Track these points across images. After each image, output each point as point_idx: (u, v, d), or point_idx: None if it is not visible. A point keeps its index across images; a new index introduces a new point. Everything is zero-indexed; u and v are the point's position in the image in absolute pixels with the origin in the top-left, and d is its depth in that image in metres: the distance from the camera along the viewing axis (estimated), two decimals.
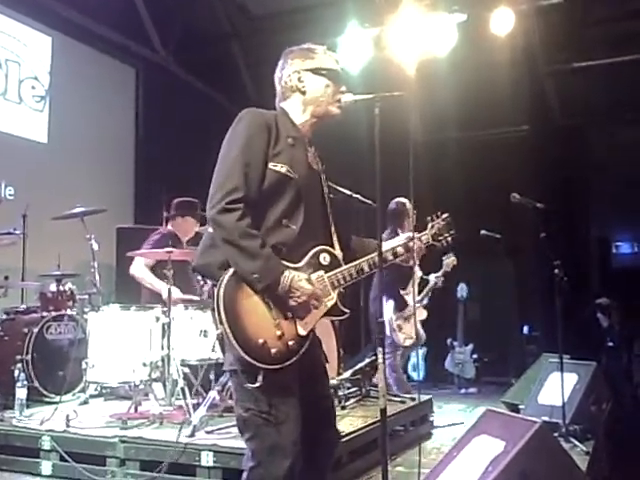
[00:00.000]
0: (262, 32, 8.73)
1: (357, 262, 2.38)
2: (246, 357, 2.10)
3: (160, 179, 7.58)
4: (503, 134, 9.08)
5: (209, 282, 4.48)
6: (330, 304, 2.32)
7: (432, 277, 5.38)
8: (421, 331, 5.40)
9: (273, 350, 2.14)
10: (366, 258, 2.39)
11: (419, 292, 5.41)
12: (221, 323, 2.12)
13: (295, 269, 2.24)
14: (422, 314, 5.44)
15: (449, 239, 2.60)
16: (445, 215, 2.62)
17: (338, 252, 2.40)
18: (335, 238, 2.44)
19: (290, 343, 2.18)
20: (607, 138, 8.85)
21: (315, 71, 2.41)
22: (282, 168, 2.27)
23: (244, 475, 2.20)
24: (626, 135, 8.56)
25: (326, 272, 2.33)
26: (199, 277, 4.79)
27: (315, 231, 2.36)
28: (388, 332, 5.13)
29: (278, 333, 2.16)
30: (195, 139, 8.16)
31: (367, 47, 7.63)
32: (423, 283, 5.45)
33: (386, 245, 2.47)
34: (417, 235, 2.55)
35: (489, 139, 9.06)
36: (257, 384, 2.12)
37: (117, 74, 7.98)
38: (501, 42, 7.26)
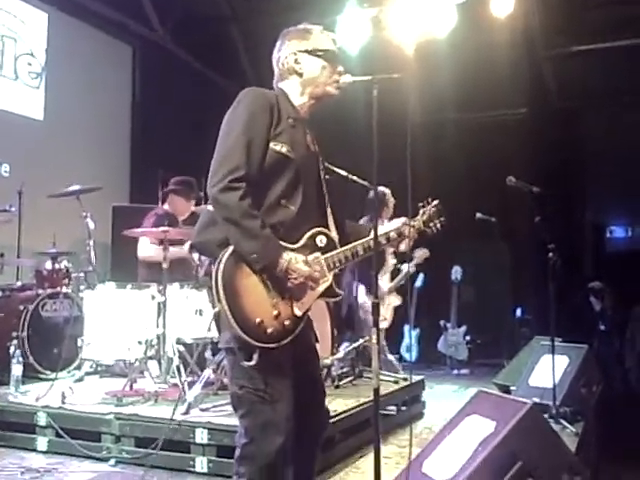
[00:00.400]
0: (260, 13, 8.66)
1: (352, 245, 2.40)
2: (243, 335, 2.12)
3: (156, 158, 7.56)
4: (501, 116, 9.07)
5: (204, 261, 4.52)
6: (325, 286, 2.33)
7: (405, 266, 5.44)
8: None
9: (269, 329, 2.15)
10: (361, 241, 2.40)
11: (392, 279, 5.51)
12: (219, 301, 2.13)
13: (293, 250, 2.25)
14: (396, 300, 5.50)
15: (438, 226, 2.60)
16: (436, 202, 2.62)
17: (334, 234, 2.41)
18: (331, 220, 2.45)
19: (286, 323, 2.20)
20: (604, 122, 8.84)
21: (311, 52, 2.40)
22: (283, 148, 2.26)
23: (237, 452, 2.22)
24: (623, 119, 8.55)
25: (322, 254, 2.34)
26: (195, 256, 4.82)
27: (312, 213, 2.37)
28: (362, 315, 5.18)
29: (275, 313, 2.18)
30: (192, 119, 8.13)
31: (366, 27, 7.58)
32: (396, 272, 5.53)
33: (380, 230, 2.47)
34: (410, 221, 2.55)
35: (487, 121, 9.05)
36: (253, 362, 2.14)
37: (114, 52, 7.92)
38: (500, 24, 7.22)
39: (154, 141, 7.89)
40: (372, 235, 2.34)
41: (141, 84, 8.17)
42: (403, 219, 2.55)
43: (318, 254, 2.33)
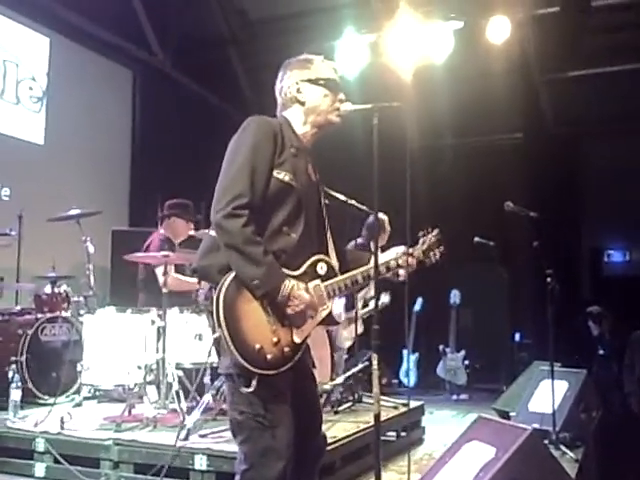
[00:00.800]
0: (260, 37, 8.78)
1: (352, 273, 2.42)
2: (242, 361, 2.13)
3: (156, 182, 7.60)
4: (497, 141, 9.15)
5: (205, 286, 4.52)
6: (325, 313, 2.36)
7: (383, 296, 5.31)
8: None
9: (269, 356, 2.17)
10: (360, 270, 2.42)
11: (364, 306, 5.44)
12: (219, 326, 2.14)
13: (294, 277, 2.27)
14: (359, 328, 5.25)
15: (438, 256, 2.59)
16: (435, 231, 2.62)
17: (334, 262, 2.44)
18: (331, 247, 2.48)
19: (285, 350, 2.22)
20: (601, 146, 8.93)
21: (313, 81, 2.45)
22: (286, 176, 2.30)
23: (236, 478, 2.22)
24: (619, 143, 8.64)
25: (322, 281, 2.36)
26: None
27: (312, 240, 2.40)
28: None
29: (274, 339, 2.19)
30: (191, 143, 8.20)
31: (364, 53, 7.69)
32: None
33: (380, 259, 2.47)
34: (410, 250, 2.55)
35: (484, 146, 9.13)
36: (251, 388, 2.15)
37: (114, 76, 8.00)
38: (497, 50, 7.33)
39: (154, 165, 7.94)
40: (372, 263, 2.37)
41: (141, 108, 8.24)
42: (402, 248, 2.55)
43: (318, 281, 2.35)
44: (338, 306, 5.11)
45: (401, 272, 2.52)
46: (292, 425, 2.21)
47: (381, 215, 5.29)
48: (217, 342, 2.23)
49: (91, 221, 5.33)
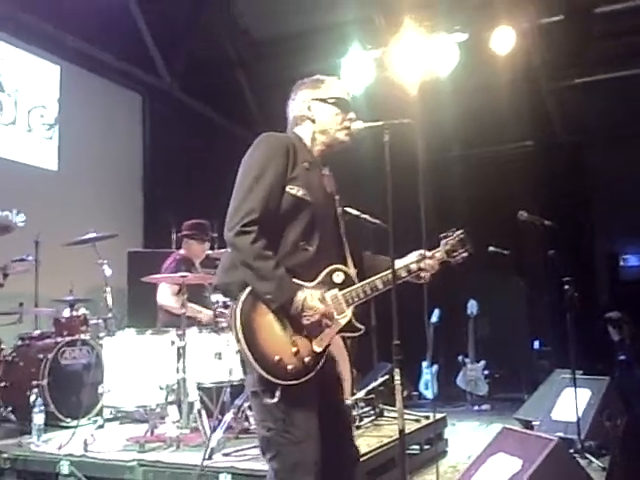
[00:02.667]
0: (266, 57, 8.87)
1: (371, 279, 2.42)
2: (263, 373, 2.16)
3: (168, 203, 7.68)
4: (507, 150, 9.15)
5: (222, 303, 4.54)
6: (344, 321, 2.36)
7: None
8: None
9: (289, 366, 2.19)
10: (380, 275, 2.42)
11: None
12: (238, 341, 2.19)
13: (310, 288, 2.29)
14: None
15: (464, 255, 2.60)
16: (459, 231, 2.63)
17: (352, 270, 2.45)
18: (349, 257, 2.49)
19: (306, 360, 2.23)
20: (611, 152, 8.90)
21: (324, 100, 2.49)
22: (299, 192, 2.33)
23: None
24: (629, 149, 8.61)
25: (340, 290, 2.37)
26: (213, 299, 4.86)
27: (330, 252, 2.42)
28: None
29: (294, 350, 2.22)
30: (201, 163, 8.27)
31: (369, 69, 7.73)
32: None
33: (399, 263, 2.49)
34: (430, 252, 2.56)
35: (493, 156, 9.13)
36: (275, 399, 2.17)
37: (124, 101, 8.11)
38: (502, 60, 7.35)
39: (166, 187, 8.02)
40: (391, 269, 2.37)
41: (151, 131, 8.34)
42: (420, 251, 2.57)
43: (335, 290, 2.37)
44: None
45: (422, 274, 2.52)
46: (319, 437, 2.22)
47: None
48: (242, 360, 2.27)
49: (106, 244, 5.36)
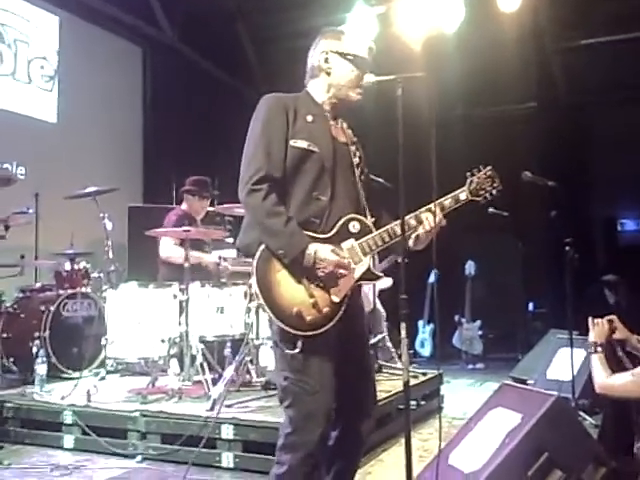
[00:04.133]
0: (268, 10, 8.69)
1: (389, 226, 2.41)
2: (282, 325, 2.22)
3: (168, 158, 7.64)
4: (510, 111, 9.10)
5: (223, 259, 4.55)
6: (362, 269, 2.37)
7: (385, 280, 5.27)
8: (378, 305, 5.46)
9: (308, 317, 2.24)
10: (396, 222, 2.40)
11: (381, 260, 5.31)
12: (257, 297, 2.25)
13: (324, 239, 2.31)
14: (386, 282, 5.32)
15: (494, 192, 2.56)
16: (488, 168, 2.59)
17: (368, 219, 2.44)
18: (366, 206, 2.47)
19: (325, 310, 2.27)
20: (613, 115, 8.84)
21: (343, 55, 2.46)
22: (303, 143, 2.35)
23: (279, 440, 2.29)
24: (632, 112, 8.56)
25: (357, 239, 2.38)
26: (214, 255, 4.89)
27: (345, 201, 2.41)
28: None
29: (312, 301, 2.25)
30: (202, 118, 8.20)
31: (374, 24, 7.62)
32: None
33: (408, 216, 2.45)
34: (454, 193, 2.52)
35: (496, 116, 9.07)
36: (297, 350, 2.22)
37: (124, 54, 7.98)
38: (508, 18, 7.25)
39: (166, 141, 7.95)
40: (408, 216, 2.39)
41: (152, 85, 8.23)
42: (430, 206, 2.51)
43: (352, 240, 2.38)
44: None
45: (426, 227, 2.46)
46: (333, 388, 2.26)
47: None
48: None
49: (107, 198, 5.35)
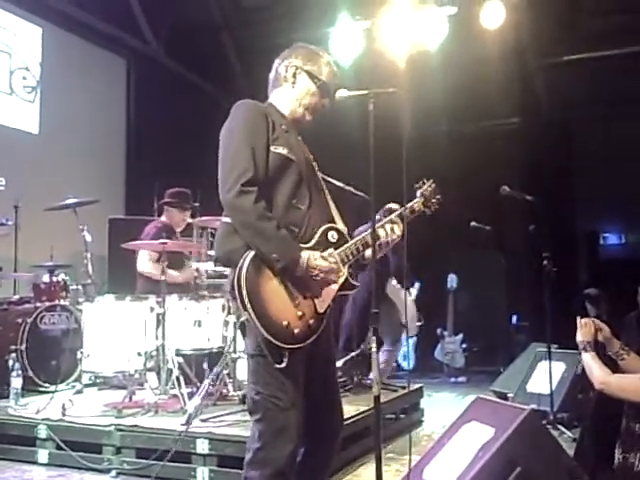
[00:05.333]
0: (253, 23, 8.75)
1: (361, 236, 2.45)
2: (271, 338, 2.17)
3: (151, 170, 7.61)
4: (493, 127, 9.15)
5: (203, 271, 4.53)
6: (342, 280, 2.38)
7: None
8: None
9: (296, 330, 2.22)
10: (368, 232, 2.42)
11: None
12: (245, 309, 2.17)
13: (309, 248, 2.31)
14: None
15: (437, 205, 2.68)
16: (431, 181, 2.70)
17: (343, 227, 2.47)
18: (337, 215, 2.51)
19: (311, 322, 2.27)
20: (596, 130, 8.95)
21: (312, 76, 2.48)
22: (283, 150, 2.34)
23: (247, 455, 2.26)
24: (614, 127, 8.65)
25: (335, 249, 2.39)
26: (193, 267, 4.86)
27: (319, 209, 2.44)
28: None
29: (299, 313, 2.24)
30: (185, 130, 8.18)
31: (358, 39, 7.65)
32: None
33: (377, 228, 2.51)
34: (408, 204, 2.62)
35: (479, 132, 9.13)
36: (284, 364, 2.19)
37: (108, 65, 7.97)
38: (491, 35, 7.31)
39: (149, 153, 7.93)
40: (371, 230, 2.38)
41: (135, 96, 8.22)
42: (388, 205, 2.60)
43: (332, 250, 2.38)
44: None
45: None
46: (303, 406, 2.25)
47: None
48: (242, 325, 2.28)
49: (88, 210, 5.32)
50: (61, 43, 7.26)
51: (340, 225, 2.48)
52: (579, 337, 3.04)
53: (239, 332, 2.39)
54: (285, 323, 2.19)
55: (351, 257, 2.41)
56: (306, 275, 2.23)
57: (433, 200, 2.67)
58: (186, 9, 8.35)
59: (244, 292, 2.17)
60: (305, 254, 2.24)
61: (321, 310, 2.31)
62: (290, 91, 2.49)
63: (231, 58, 9.21)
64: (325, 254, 2.34)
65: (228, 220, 2.29)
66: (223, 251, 2.33)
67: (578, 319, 3.08)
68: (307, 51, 2.54)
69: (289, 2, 8.34)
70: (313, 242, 2.35)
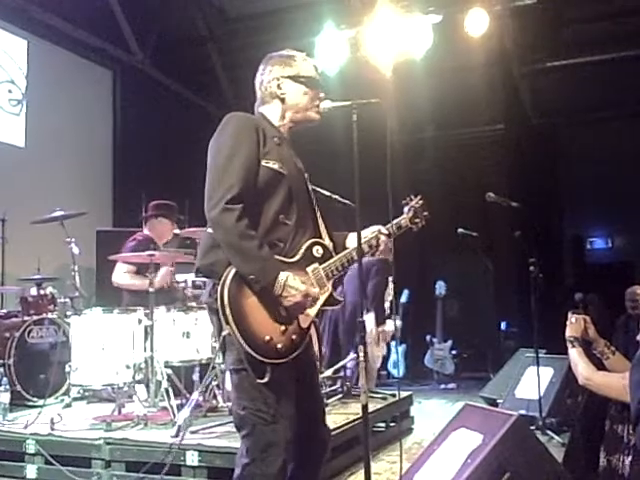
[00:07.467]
0: (238, 34, 8.77)
1: (346, 252, 2.45)
2: (253, 353, 2.16)
3: (138, 182, 7.59)
4: (478, 133, 9.22)
5: (190, 283, 4.52)
6: (326, 295, 2.40)
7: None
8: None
9: (279, 345, 2.21)
10: (352, 248, 2.44)
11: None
12: (227, 323, 2.16)
13: (292, 264, 2.30)
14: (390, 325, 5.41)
15: (423, 222, 2.68)
16: (418, 197, 2.70)
17: (328, 243, 2.47)
18: (324, 229, 2.51)
19: (294, 337, 2.26)
20: (581, 135, 9.03)
21: (294, 78, 2.47)
22: (274, 165, 2.32)
23: (236, 471, 2.25)
24: (599, 132, 8.74)
25: (320, 264, 2.39)
26: (179, 279, 4.84)
27: (306, 224, 2.43)
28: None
29: (282, 328, 2.24)
30: (172, 142, 8.19)
31: (343, 49, 7.69)
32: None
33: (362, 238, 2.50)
34: (395, 220, 2.61)
35: (465, 138, 9.19)
36: (265, 379, 2.18)
37: (94, 77, 7.96)
38: (476, 43, 7.37)
39: (136, 165, 7.92)
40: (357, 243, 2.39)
41: (122, 108, 8.21)
42: (378, 227, 2.59)
43: (316, 265, 2.39)
44: (369, 322, 5.14)
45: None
46: (293, 418, 2.25)
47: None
48: (223, 339, 2.26)
49: (75, 222, 5.31)
50: (47, 55, 7.25)
51: (326, 240, 2.48)
52: (568, 332, 3.06)
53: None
54: (267, 338, 2.18)
55: (336, 272, 2.42)
56: (282, 296, 2.21)
57: (420, 216, 2.66)
58: (172, 20, 8.37)
59: (226, 306, 2.16)
60: (283, 275, 2.20)
61: (304, 325, 2.30)
62: (281, 104, 2.47)
63: (217, 69, 9.22)
64: (309, 269, 2.35)
65: (212, 231, 2.28)
66: (206, 262, 2.30)
67: (569, 314, 3.10)
68: (279, 58, 2.52)
69: (274, 12, 8.37)
70: (298, 257, 2.34)
